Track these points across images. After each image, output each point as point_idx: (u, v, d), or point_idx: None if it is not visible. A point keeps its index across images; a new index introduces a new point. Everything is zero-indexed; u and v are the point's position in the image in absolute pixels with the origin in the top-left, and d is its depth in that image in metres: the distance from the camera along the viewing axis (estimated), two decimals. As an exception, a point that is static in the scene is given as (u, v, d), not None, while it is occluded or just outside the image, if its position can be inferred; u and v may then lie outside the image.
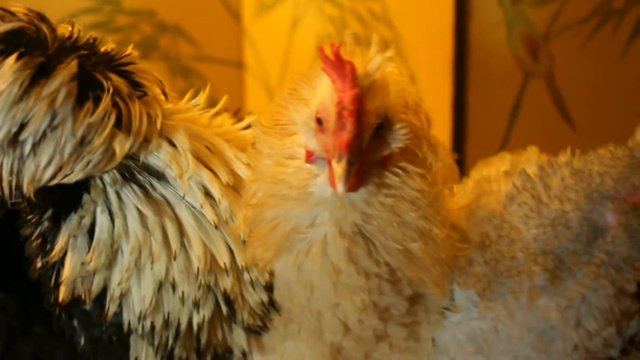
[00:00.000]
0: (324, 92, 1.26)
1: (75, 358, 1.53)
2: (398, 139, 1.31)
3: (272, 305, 1.46)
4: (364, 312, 1.39)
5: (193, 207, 1.43)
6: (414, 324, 1.46)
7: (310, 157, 1.33)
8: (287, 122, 1.37)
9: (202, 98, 1.56)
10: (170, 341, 1.44)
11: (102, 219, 1.40)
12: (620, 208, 1.32)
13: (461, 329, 1.45)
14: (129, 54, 1.44)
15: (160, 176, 1.42)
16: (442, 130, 2.65)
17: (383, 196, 1.33)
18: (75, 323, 1.47)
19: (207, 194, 1.43)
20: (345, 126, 1.22)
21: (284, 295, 1.44)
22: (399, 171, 1.34)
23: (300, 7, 2.97)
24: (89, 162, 1.34)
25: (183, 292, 1.41)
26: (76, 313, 1.46)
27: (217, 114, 1.56)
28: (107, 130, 1.34)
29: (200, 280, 1.42)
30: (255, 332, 1.48)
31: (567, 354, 1.39)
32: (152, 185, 1.42)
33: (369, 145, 1.26)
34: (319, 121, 1.27)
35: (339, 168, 1.22)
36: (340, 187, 1.22)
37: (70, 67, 1.32)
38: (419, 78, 2.69)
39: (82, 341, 1.48)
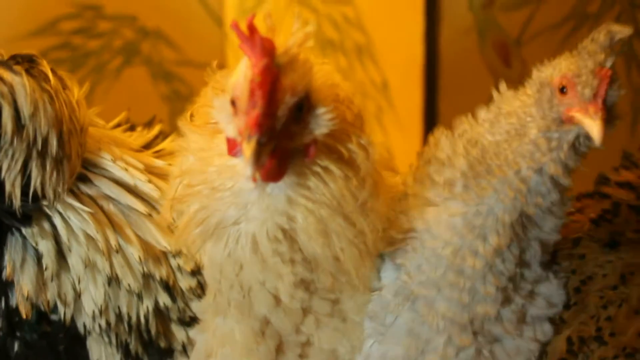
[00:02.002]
0: (239, 71, 1.19)
1: None
2: (322, 125, 1.23)
3: (201, 289, 1.49)
4: (294, 288, 1.36)
5: (119, 202, 1.48)
6: (338, 302, 1.44)
7: (232, 148, 1.24)
8: (215, 119, 1.29)
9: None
10: (125, 336, 1.48)
11: (44, 234, 1.45)
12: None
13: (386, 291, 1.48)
14: None
15: (83, 178, 1.46)
16: (413, 136, 2.64)
17: (305, 199, 1.27)
18: (7, 329, 1.49)
19: (130, 190, 1.49)
20: (256, 103, 1.13)
21: (214, 269, 1.39)
22: (320, 171, 1.27)
23: (279, 11, 2.97)
24: None
25: (129, 285, 1.46)
26: (16, 322, 1.48)
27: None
28: None
29: (140, 270, 1.46)
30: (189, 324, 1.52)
31: (477, 270, 1.39)
32: (78, 188, 1.46)
33: (288, 128, 1.19)
34: (234, 103, 1.18)
35: (247, 148, 1.13)
36: (249, 170, 1.13)
37: None
38: (391, 83, 2.69)
39: (16, 347, 1.50)
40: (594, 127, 1.30)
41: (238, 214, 1.31)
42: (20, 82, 1.39)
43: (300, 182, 1.27)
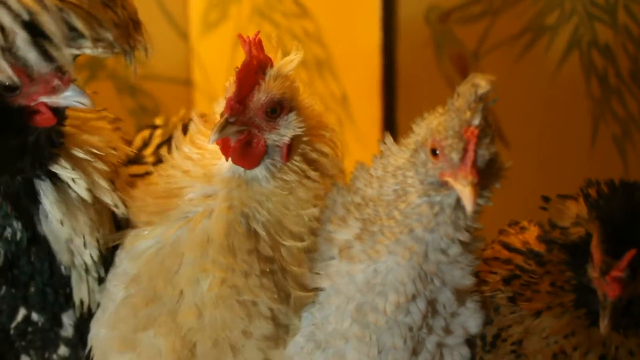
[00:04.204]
0: None
1: None
2: (290, 127, 1.48)
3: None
4: (222, 303, 1.43)
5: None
6: (270, 354, 1.48)
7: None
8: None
9: None
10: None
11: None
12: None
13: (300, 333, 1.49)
14: None
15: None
16: (372, 148, 2.64)
17: (278, 187, 1.47)
18: None
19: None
20: (232, 90, 1.43)
21: (154, 270, 1.49)
22: (299, 170, 1.50)
23: (241, 25, 2.98)
24: None
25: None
26: None
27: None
28: None
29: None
30: None
31: (381, 327, 1.38)
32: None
33: (260, 122, 1.46)
34: None
35: (217, 122, 1.41)
36: (212, 137, 1.39)
37: None
38: (350, 96, 2.70)
39: None
40: (464, 194, 1.25)
41: (209, 190, 1.48)
42: None
43: (276, 172, 1.48)
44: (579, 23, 2.60)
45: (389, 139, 1.44)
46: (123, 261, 1.53)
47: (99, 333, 1.54)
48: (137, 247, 1.50)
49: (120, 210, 1.55)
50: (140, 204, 1.53)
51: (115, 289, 1.52)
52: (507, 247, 1.59)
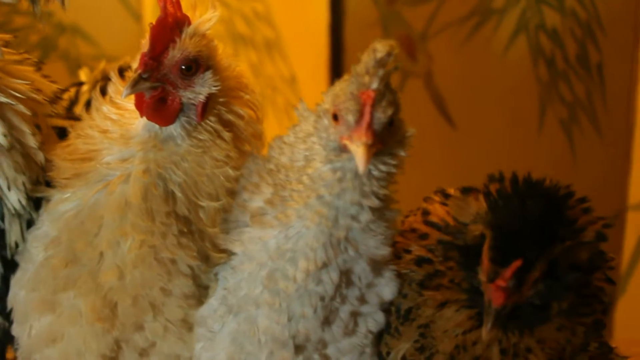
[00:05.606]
0: None
1: None
2: (205, 85, 1.47)
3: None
4: (142, 262, 1.45)
5: None
6: (191, 314, 1.50)
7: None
8: None
9: None
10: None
11: None
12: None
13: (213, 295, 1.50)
14: None
15: None
16: (320, 130, 2.66)
17: (193, 146, 1.47)
18: None
19: None
20: (146, 46, 1.42)
21: (73, 232, 1.49)
22: (212, 130, 1.49)
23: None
24: None
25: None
26: None
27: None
28: None
29: None
30: None
31: (291, 295, 1.39)
32: None
33: (175, 79, 1.45)
34: None
35: (130, 78, 1.42)
36: (124, 92, 1.40)
37: None
38: (299, 77, 2.70)
39: None
40: (357, 154, 1.26)
41: (126, 153, 1.47)
42: None
43: (190, 130, 1.48)
44: (527, 7, 2.63)
45: (302, 104, 1.44)
46: (44, 223, 1.53)
47: (18, 294, 1.54)
48: (58, 209, 1.50)
49: (39, 157, 1.53)
50: (59, 165, 1.52)
51: (35, 250, 1.52)
52: (427, 220, 1.57)
